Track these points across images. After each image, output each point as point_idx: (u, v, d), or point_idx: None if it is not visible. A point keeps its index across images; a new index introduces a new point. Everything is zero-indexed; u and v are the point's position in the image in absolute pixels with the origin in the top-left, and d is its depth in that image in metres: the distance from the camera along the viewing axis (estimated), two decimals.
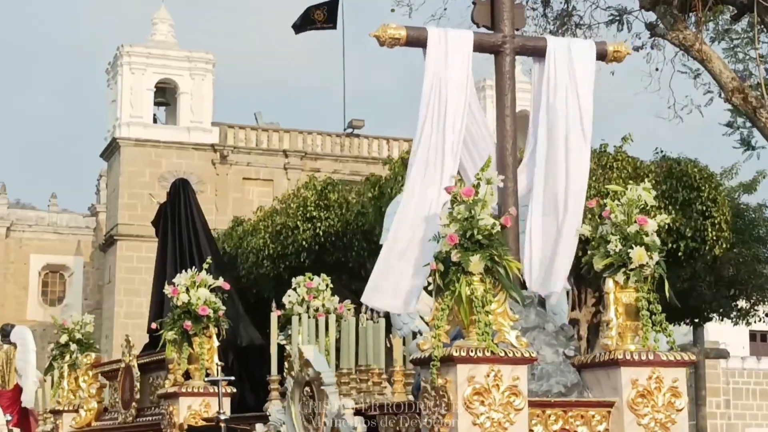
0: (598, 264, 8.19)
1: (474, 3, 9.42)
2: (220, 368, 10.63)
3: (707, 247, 21.08)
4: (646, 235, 8.16)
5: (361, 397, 8.88)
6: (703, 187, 20.85)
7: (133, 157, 47.91)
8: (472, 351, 7.35)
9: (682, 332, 34.82)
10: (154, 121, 49.69)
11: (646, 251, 8.09)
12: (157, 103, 49.58)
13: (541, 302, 9.02)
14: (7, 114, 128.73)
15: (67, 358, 13.38)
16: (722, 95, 19.94)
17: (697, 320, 27.92)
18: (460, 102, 8.94)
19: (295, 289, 10.66)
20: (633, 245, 8.08)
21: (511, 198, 9.00)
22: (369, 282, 8.54)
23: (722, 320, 28.05)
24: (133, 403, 12.01)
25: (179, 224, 13.26)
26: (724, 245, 21.40)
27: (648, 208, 8.33)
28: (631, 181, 20.51)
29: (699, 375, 36.73)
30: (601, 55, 9.62)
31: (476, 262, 7.41)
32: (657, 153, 22.39)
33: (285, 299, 10.58)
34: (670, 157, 22.03)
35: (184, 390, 10.66)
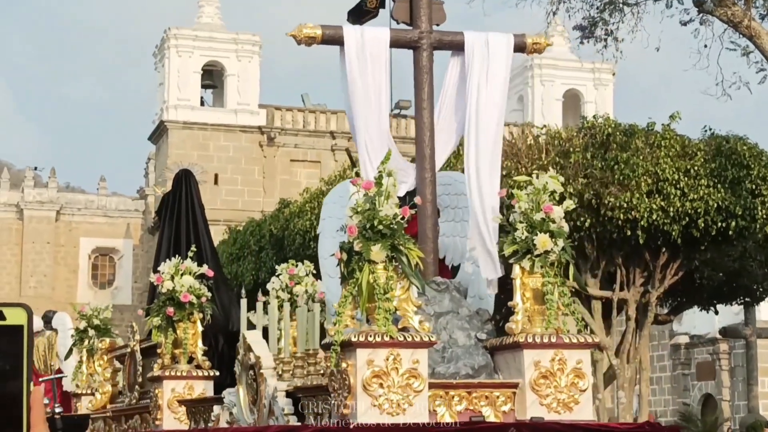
0: (506, 251, 8.46)
1: (393, 0, 9.78)
2: (202, 352, 11.11)
3: (757, 226, 20.82)
4: (553, 222, 8.40)
5: (309, 380, 9.16)
6: (753, 165, 20.58)
7: (180, 139, 48.07)
8: (371, 336, 7.71)
9: (734, 311, 34.46)
10: (202, 103, 49.82)
11: (551, 238, 8.34)
12: (204, 86, 49.70)
13: (458, 289, 9.35)
14: (57, 98, 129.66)
15: (86, 343, 13.73)
16: None
17: (748, 299, 27.62)
18: (380, 96, 9.34)
19: (278, 276, 10.94)
20: (539, 232, 8.33)
21: (428, 187, 9.38)
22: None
23: None
24: (137, 386, 12.42)
25: (179, 214, 13.64)
26: None
27: (557, 196, 8.55)
28: (679, 160, 20.42)
29: (751, 355, 36.36)
30: (521, 48, 9.90)
31: (377, 251, 7.79)
32: (706, 131, 22.15)
33: (269, 285, 10.89)
34: (718, 134, 21.78)
35: (167, 373, 11.10)
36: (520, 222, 8.44)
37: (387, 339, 7.75)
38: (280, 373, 9.31)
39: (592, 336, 8.52)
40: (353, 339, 7.75)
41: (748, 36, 19.76)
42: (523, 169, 20.54)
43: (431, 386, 8.09)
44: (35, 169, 54.82)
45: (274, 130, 48.67)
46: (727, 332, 36.56)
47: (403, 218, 7.94)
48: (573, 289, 21.24)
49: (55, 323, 18.16)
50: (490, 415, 8.30)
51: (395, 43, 9.62)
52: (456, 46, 9.73)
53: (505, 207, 8.77)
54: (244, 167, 48.52)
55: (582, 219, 20.49)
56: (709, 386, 39.33)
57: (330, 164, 47.13)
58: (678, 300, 25.81)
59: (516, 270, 8.45)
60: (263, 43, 49.54)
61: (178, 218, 13.62)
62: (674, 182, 20.43)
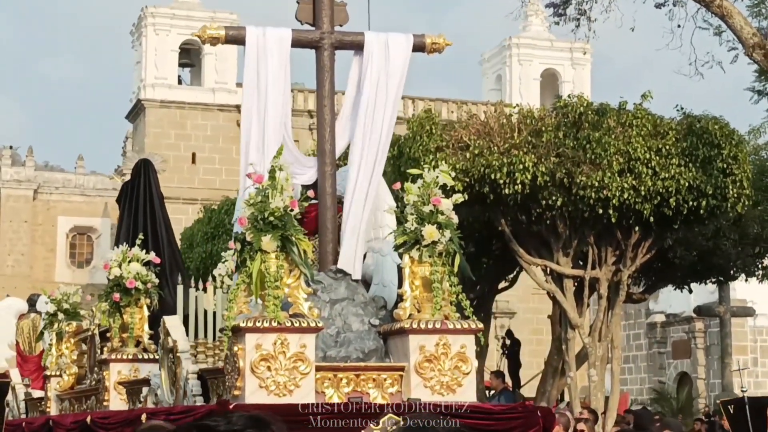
0: (397, 241, 8.93)
1: (297, 2, 10.18)
2: (148, 336, 11.43)
3: (728, 205, 20.88)
4: (441, 214, 8.83)
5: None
6: (724, 144, 20.59)
7: (158, 118, 47.98)
8: (258, 321, 8.20)
9: (709, 290, 34.61)
10: (179, 82, 49.69)
11: (438, 229, 8.76)
12: (181, 65, 49.60)
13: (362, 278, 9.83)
14: (34, 77, 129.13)
15: (55, 326, 13.91)
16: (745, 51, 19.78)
17: (722, 278, 27.74)
18: (279, 94, 9.79)
19: (224, 262, 11.22)
20: (427, 223, 8.76)
21: (328, 180, 9.89)
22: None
23: (747, 279, 27.90)
24: (95, 368, 12.67)
25: (137, 203, 13.91)
26: (747, 203, 21.19)
27: (448, 188, 9.02)
28: (651, 139, 20.49)
29: (725, 333, 36.56)
30: (420, 47, 10.31)
31: (268, 242, 8.22)
32: (678, 110, 22.19)
33: (216, 272, 11.22)
34: (691, 114, 21.82)
35: (113, 357, 11.46)
36: (411, 214, 8.87)
37: (275, 324, 8.20)
38: (211, 355, 9.75)
39: (476, 322, 8.95)
40: (242, 324, 8.24)
41: (719, 15, 19.81)
42: (495, 148, 20.59)
43: (320, 369, 8.65)
44: (11, 147, 54.54)
45: None
46: (701, 311, 36.72)
47: (292, 210, 8.35)
48: (545, 268, 21.32)
49: (39, 306, 18.40)
50: (378, 397, 8.81)
51: (297, 43, 10.04)
52: (357, 46, 10.17)
53: (399, 200, 9.21)
54: (222, 146, 48.46)
55: (554, 198, 20.54)
56: (685, 365, 39.52)
57: (308, 143, 46.98)
58: (652, 279, 25.90)
59: (405, 259, 8.90)
60: (241, 21, 49.39)
61: (136, 207, 13.88)
62: (646, 161, 20.46)
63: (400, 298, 9.01)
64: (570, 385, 22.90)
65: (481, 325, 9.06)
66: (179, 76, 49.81)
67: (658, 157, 20.53)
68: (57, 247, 52.42)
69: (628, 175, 20.44)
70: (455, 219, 8.94)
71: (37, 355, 17.90)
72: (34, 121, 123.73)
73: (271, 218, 8.27)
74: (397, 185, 9.24)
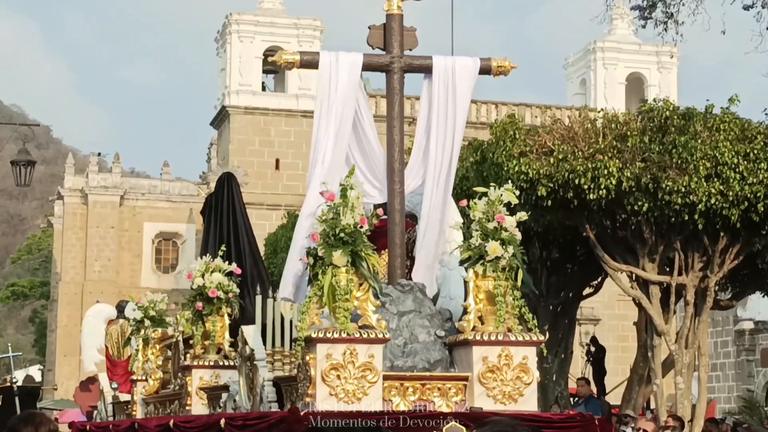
0: (461, 256, 9.26)
1: (369, 28, 10.60)
2: (229, 344, 11.77)
3: None
4: (505, 230, 9.12)
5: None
6: None
7: (242, 124, 48.31)
8: (329, 332, 8.66)
9: None
10: (263, 89, 49.99)
11: (502, 245, 9.07)
12: (265, 71, 49.90)
13: (422, 290, 10.09)
14: (119, 83, 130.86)
15: (142, 333, 14.31)
16: None
17: None
18: (349, 115, 10.23)
19: None
20: (491, 239, 9.07)
21: (397, 198, 10.25)
22: (282, 278, 10.15)
23: None
24: (179, 374, 13.02)
25: (221, 215, 14.35)
26: None
27: (513, 206, 9.27)
28: (738, 143, 20.18)
29: None
30: (486, 70, 10.63)
31: (338, 257, 8.66)
32: (767, 114, 21.84)
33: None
34: None
35: (196, 363, 11.85)
36: (476, 230, 9.19)
37: (344, 335, 8.63)
38: (288, 363, 10.13)
39: (537, 335, 9.25)
40: (313, 335, 8.67)
41: None
42: (580, 153, 20.43)
43: (388, 378, 9.01)
44: (99, 154, 55.32)
45: None
46: None
47: (362, 227, 8.76)
48: (630, 274, 21.02)
49: (127, 312, 18.83)
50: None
51: (368, 67, 10.49)
52: (426, 69, 10.51)
53: (466, 216, 9.53)
54: (305, 152, 48.51)
55: (639, 203, 20.35)
56: None
57: None
58: (740, 285, 25.53)
59: (470, 274, 9.22)
60: (324, 27, 49.60)
61: (220, 219, 14.31)
62: (733, 166, 20.18)
63: (465, 311, 9.32)
64: (656, 392, 22.66)
65: (543, 338, 9.35)
66: (263, 83, 50.14)
67: (745, 162, 20.23)
68: (143, 252, 53.01)
69: (715, 180, 20.17)
70: (518, 235, 9.22)
71: (125, 360, 18.30)
72: (120, 128, 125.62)
73: (342, 234, 8.68)
74: (464, 202, 9.50)
